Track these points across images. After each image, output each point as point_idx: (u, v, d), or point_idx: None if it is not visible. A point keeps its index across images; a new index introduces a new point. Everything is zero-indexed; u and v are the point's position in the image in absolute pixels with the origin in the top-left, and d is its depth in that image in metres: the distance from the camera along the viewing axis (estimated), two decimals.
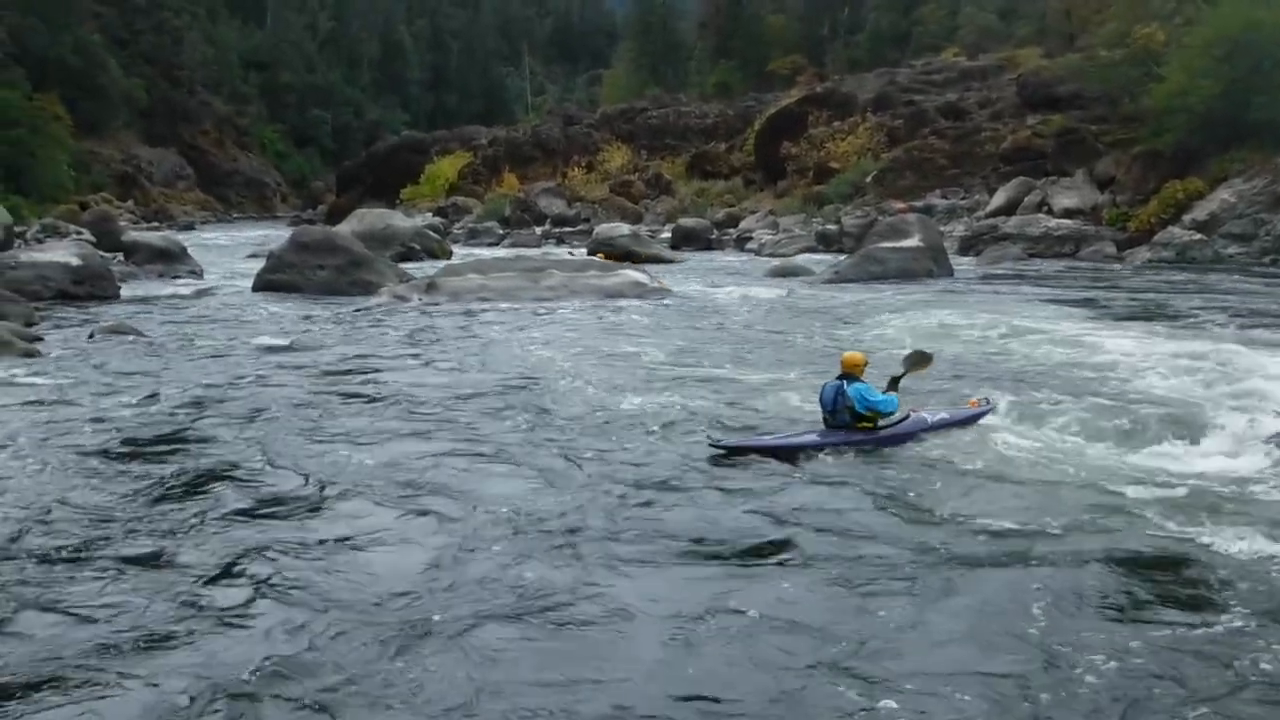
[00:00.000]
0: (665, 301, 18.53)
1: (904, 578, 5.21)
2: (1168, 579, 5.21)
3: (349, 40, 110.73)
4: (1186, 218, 26.05)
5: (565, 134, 55.83)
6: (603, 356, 12.25)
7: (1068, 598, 4.91)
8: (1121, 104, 31.53)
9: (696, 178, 48.33)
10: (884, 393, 8.00)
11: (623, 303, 18.16)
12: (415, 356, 12.56)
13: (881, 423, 7.90)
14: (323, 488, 6.91)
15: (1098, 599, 4.91)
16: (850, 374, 7.98)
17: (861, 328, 14.65)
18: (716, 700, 4.04)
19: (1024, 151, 33.41)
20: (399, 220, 32.90)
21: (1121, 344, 12.42)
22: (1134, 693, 4.06)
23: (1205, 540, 5.67)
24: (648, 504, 6.49)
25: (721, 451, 7.50)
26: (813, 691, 4.10)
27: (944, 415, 8.31)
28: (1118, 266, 24.82)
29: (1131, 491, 6.56)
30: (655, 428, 8.49)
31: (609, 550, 5.63)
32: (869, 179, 37.40)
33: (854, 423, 7.83)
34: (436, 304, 18.22)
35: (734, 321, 15.73)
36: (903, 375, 8.51)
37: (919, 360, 9.00)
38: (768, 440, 7.81)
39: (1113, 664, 4.26)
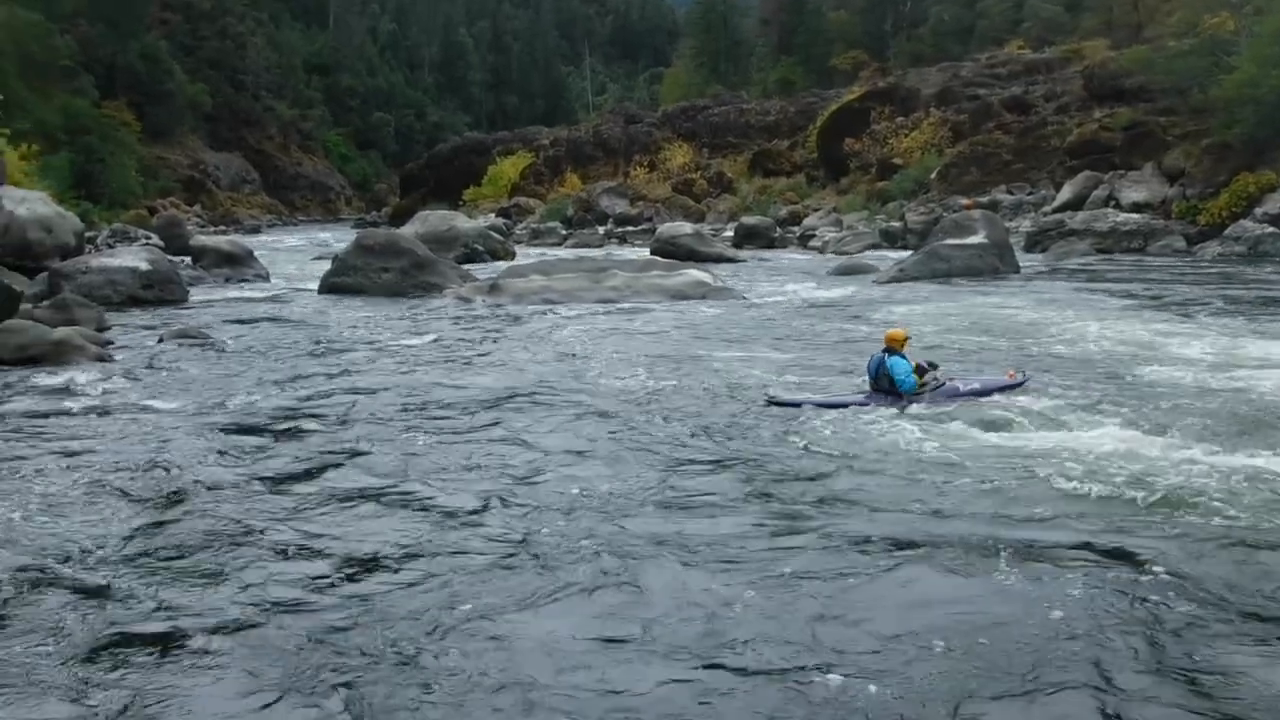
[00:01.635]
0: (729, 301, 18.69)
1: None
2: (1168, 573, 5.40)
3: (410, 43, 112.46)
4: (1258, 211, 25.73)
5: (627, 133, 56.10)
6: (665, 357, 12.54)
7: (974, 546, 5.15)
8: (1190, 95, 31.05)
9: (759, 175, 48.33)
10: (913, 373, 9.10)
11: (686, 303, 18.35)
12: (482, 357, 12.93)
13: (917, 392, 9.08)
14: (411, 482, 7.32)
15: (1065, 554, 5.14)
16: (891, 348, 9.17)
17: (923, 327, 14.77)
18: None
19: (1091, 145, 33.10)
20: (462, 222, 33.28)
21: (1180, 341, 12.54)
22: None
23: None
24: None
25: (776, 405, 9.10)
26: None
27: (976, 385, 9.43)
28: (1188, 261, 24.54)
29: (1122, 475, 6.83)
30: (719, 421, 8.81)
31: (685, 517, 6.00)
32: (933, 175, 37.26)
33: (892, 388, 9.06)
34: (500, 305, 18.57)
35: (798, 322, 15.92)
36: (937, 367, 9.51)
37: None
38: (817, 398, 9.36)
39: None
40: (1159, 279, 20.77)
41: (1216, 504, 6.26)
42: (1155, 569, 5.31)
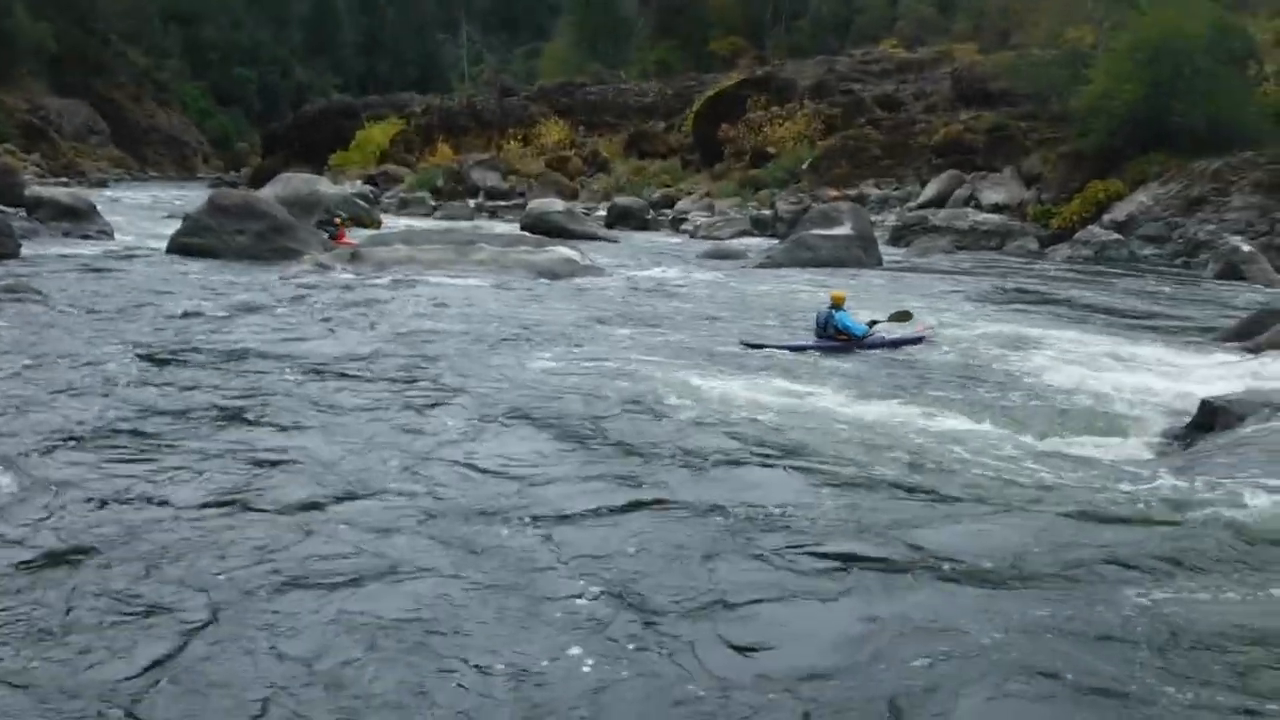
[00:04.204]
0: (596, 279, 18.77)
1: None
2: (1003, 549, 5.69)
3: None
4: (1106, 217, 27.14)
5: (502, 106, 55.44)
6: (520, 330, 12.51)
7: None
8: (1050, 103, 32.60)
9: (634, 156, 48.40)
10: (860, 323, 11.85)
11: (552, 280, 18.36)
12: (330, 327, 12.62)
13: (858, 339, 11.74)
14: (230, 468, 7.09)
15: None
16: (836, 305, 11.85)
17: (787, 311, 15.09)
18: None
19: (956, 145, 34.31)
20: (326, 187, 32.18)
21: (1026, 333, 13.26)
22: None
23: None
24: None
25: (749, 349, 11.47)
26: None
27: (898, 334, 12.05)
28: (1039, 263, 25.73)
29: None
30: (573, 394, 8.82)
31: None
32: (805, 165, 38.00)
33: (835, 336, 11.74)
34: (361, 274, 18.20)
35: (663, 302, 16.06)
36: (881, 321, 12.19)
37: (901, 316, 12.45)
38: (784, 341, 11.89)
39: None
40: (1008, 278, 21.72)
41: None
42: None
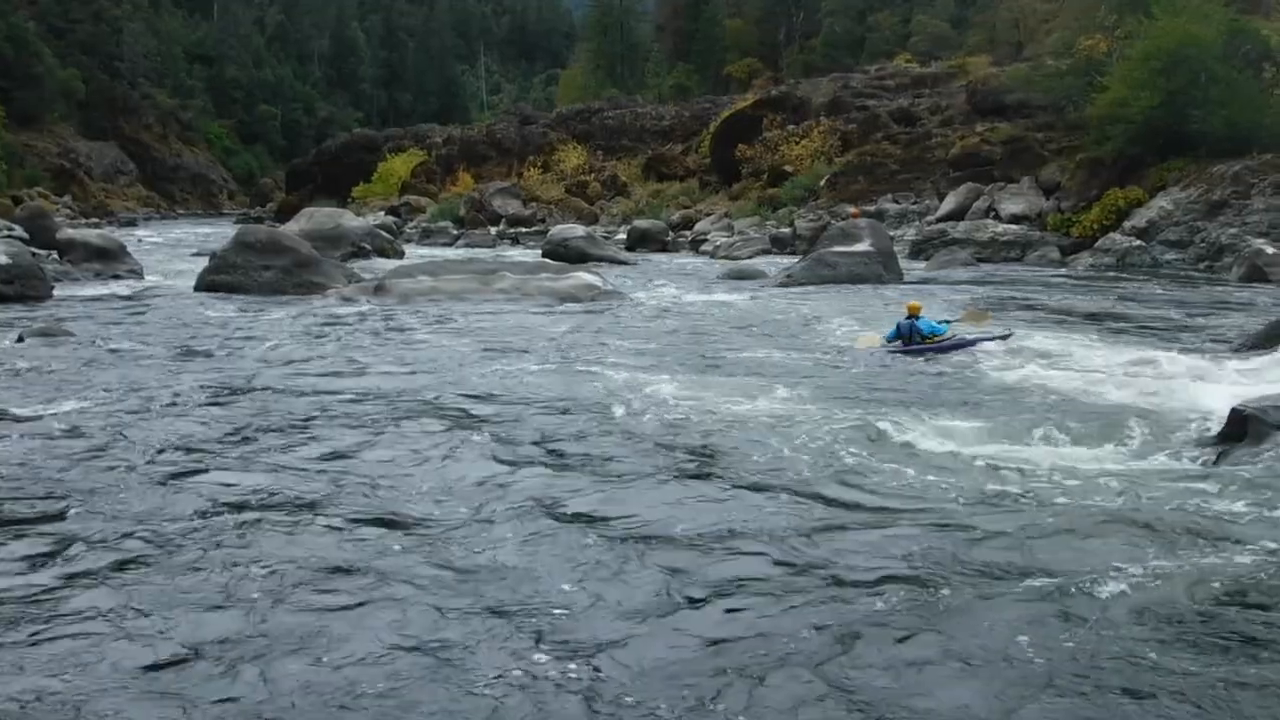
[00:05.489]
0: (618, 305, 18.73)
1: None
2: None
3: (299, 35, 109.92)
4: (1127, 224, 26.97)
5: (521, 134, 55.78)
6: (547, 360, 12.49)
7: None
8: (1066, 113, 32.47)
9: (652, 179, 48.54)
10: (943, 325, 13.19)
11: (575, 305, 18.34)
12: (358, 360, 12.63)
13: (940, 339, 12.90)
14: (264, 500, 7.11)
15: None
16: (913, 314, 13.03)
17: (810, 331, 15.03)
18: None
19: (973, 158, 34.19)
20: (349, 219, 32.73)
21: (1050, 344, 13.21)
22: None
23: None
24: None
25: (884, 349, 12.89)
26: None
27: (977, 335, 13.24)
28: (1061, 271, 25.54)
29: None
30: (609, 429, 8.79)
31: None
32: (822, 183, 37.97)
33: (923, 342, 12.80)
34: (385, 306, 18.30)
35: (684, 325, 16.02)
36: (956, 320, 13.79)
37: (975, 315, 14.25)
38: (903, 346, 12.88)
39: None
40: (1030, 288, 21.57)
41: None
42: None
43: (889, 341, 13.12)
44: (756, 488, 7.04)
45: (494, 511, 6.60)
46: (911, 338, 12.89)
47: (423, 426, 8.96)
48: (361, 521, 6.39)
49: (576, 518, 6.47)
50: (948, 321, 13.50)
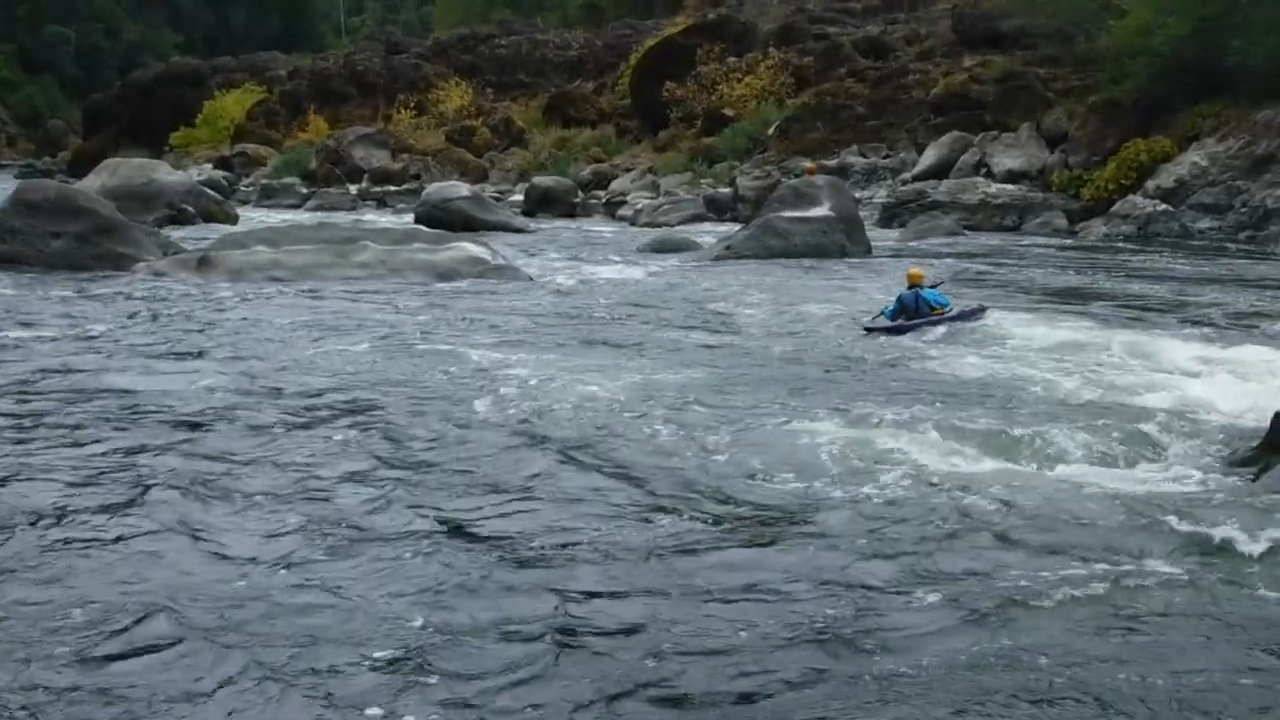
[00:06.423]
0: (511, 283, 18.64)
1: None
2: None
3: None
4: (1150, 184, 27.36)
5: (389, 65, 55.67)
6: (419, 356, 12.28)
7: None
8: (1076, 43, 32.92)
9: (556, 125, 48.59)
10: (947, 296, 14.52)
11: (456, 284, 18.23)
12: (171, 356, 12.28)
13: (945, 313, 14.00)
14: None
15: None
16: (916, 284, 13.99)
17: (751, 324, 14.91)
18: None
19: (959, 99, 34.60)
20: (165, 173, 32.50)
21: (1057, 334, 13.32)
22: None
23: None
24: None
25: (869, 333, 13.69)
26: None
27: (966, 310, 14.37)
28: (1069, 243, 25.95)
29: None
30: (493, 437, 8.63)
31: None
32: (770, 131, 38.18)
33: (931, 313, 13.82)
34: (210, 285, 17.94)
35: (592, 311, 15.94)
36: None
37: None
38: (893, 324, 13.80)
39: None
40: (1032, 261, 21.85)
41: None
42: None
43: (891, 319, 13.87)
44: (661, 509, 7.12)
45: (335, 528, 6.63)
46: (919, 310, 13.76)
47: (246, 439, 8.68)
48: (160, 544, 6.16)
49: (431, 534, 6.68)
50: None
